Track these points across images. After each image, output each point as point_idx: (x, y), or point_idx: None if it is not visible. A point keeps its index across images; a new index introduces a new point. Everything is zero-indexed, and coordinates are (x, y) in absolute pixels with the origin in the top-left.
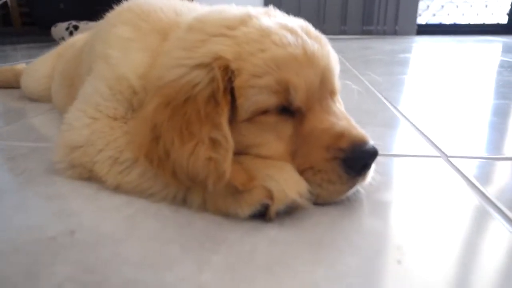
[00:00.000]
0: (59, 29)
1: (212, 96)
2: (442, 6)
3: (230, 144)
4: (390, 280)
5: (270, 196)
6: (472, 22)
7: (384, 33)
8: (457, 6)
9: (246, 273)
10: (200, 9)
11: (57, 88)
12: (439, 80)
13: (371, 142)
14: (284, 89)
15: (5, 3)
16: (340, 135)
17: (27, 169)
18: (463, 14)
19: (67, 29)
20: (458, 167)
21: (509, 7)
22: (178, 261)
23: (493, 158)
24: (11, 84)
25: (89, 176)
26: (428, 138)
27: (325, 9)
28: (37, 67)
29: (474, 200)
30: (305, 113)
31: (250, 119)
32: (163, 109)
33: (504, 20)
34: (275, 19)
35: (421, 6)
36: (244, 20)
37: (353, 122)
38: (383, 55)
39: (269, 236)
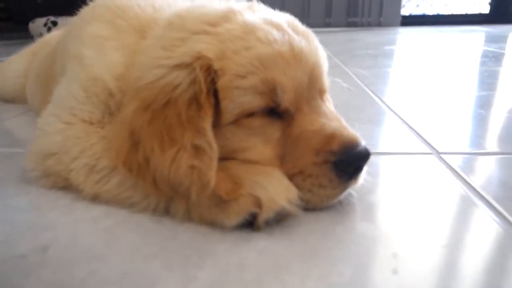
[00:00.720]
0: (37, 25)
1: (194, 98)
2: None
3: (214, 151)
4: None
5: (258, 204)
6: (455, 13)
7: (368, 24)
8: None
9: None
10: (180, 4)
11: (32, 88)
12: (425, 72)
13: (363, 143)
14: (271, 89)
15: None
16: (331, 137)
17: None
18: (446, 5)
19: (45, 25)
20: (450, 164)
21: None
22: (161, 278)
23: (484, 153)
24: None
25: (64, 185)
26: (418, 134)
27: (309, 2)
28: (11, 66)
29: (469, 198)
30: (294, 115)
31: (235, 122)
32: (141, 113)
33: (486, 10)
34: (259, 14)
35: None
36: (227, 16)
37: (344, 122)
38: (369, 48)
39: (258, 247)
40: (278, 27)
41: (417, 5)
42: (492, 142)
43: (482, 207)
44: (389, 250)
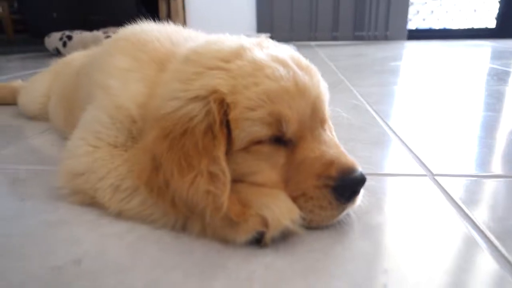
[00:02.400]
0: (52, 39)
1: (209, 128)
2: (432, 11)
3: (227, 177)
4: None
5: (265, 223)
6: (461, 27)
7: (375, 38)
8: (446, 11)
9: None
10: (194, 37)
11: (55, 108)
12: (429, 91)
13: (359, 169)
14: (277, 120)
15: None
16: (330, 163)
17: (30, 194)
18: (452, 19)
19: (60, 39)
20: (444, 186)
21: (497, 12)
22: (181, 287)
23: (479, 176)
24: (7, 101)
25: (90, 202)
26: (416, 156)
27: (317, 16)
28: (34, 85)
29: (459, 223)
30: (297, 143)
31: (245, 149)
32: (162, 141)
33: (492, 24)
34: (267, 50)
35: (411, 11)
36: (239, 53)
37: (342, 148)
38: (374, 64)
39: (264, 263)
40: (283, 64)
41: (424, 19)
42: (490, 166)
43: (467, 225)
44: (382, 268)
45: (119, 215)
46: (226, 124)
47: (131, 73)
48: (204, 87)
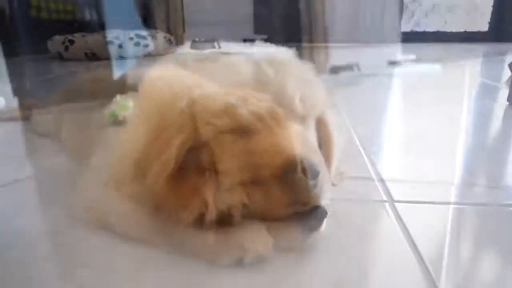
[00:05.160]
0: (55, 42)
1: None
2: (426, 14)
3: None
4: None
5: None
6: (454, 30)
7: (368, 40)
8: (440, 14)
9: None
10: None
11: None
12: (413, 104)
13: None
14: None
15: None
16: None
17: None
18: (445, 22)
19: (63, 43)
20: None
21: (489, 16)
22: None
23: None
24: None
25: None
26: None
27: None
28: None
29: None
30: None
31: None
32: None
33: (484, 27)
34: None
35: (406, 13)
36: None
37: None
38: (365, 67)
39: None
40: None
41: (418, 23)
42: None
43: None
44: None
45: None
46: None
47: None
48: None
